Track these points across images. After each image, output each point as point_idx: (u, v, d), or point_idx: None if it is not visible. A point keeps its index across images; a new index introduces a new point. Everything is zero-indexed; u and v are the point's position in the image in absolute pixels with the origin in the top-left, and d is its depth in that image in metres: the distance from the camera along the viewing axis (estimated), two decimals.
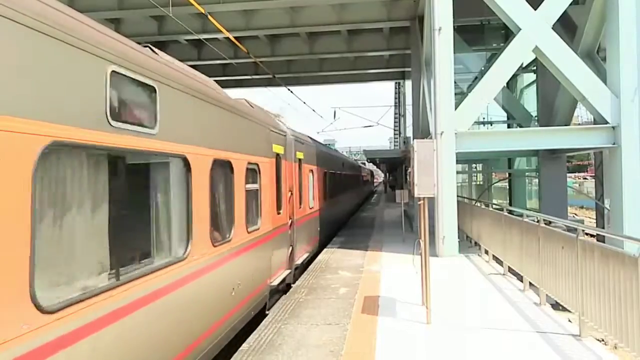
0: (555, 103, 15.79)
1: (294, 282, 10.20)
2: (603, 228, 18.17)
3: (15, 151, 2.91)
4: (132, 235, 4.34)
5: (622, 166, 12.02)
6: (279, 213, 9.40)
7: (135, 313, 4.10)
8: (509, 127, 21.38)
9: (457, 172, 18.49)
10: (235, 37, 19.19)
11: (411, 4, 19.53)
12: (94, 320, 3.53)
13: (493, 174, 26.17)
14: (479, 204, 14.11)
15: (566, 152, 16.96)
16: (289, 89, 29.02)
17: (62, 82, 3.35)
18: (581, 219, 28.38)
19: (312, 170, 13.70)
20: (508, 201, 22.27)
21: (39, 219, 3.12)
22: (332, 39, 23.82)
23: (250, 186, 7.50)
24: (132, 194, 4.46)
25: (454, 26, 12.95)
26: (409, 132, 31.01)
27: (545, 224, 7.96)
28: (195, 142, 5.42)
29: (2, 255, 2.81)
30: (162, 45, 23.21)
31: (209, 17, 15.95)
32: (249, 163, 7.46)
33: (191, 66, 7.39)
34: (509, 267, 9.99)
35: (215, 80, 7.84)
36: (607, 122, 12.29)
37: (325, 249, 14.46)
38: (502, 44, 18.66)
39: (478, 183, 27.99)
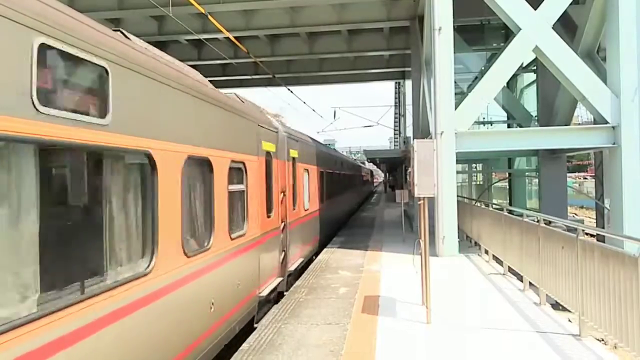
0: (555, 103, 15.80)
1: (287, 290, 9.67)
2: (603, 228, 18.17)
3: None
4: (72, 250, 3.58)
5: (622, 166, 12.02)
6: (269, 216, 8.65)
7: (76, 345, 3.32)
8: (509, 127, 21.39)
9: (457, 172, 18.49)
10: (235, 37, 19.19)
11: (411, 3, 19.53)
12: None
13: (493, 173, 26.18)
14: (479, 204, 14.12)
15: (566, 152, 16.96)
16: (289, 89, 29.04)
17: None
18: (581, 218, 28.37)
19: (307, 170, 12.94)
20: (508, 201, 22.28)
21: None
22: (332, 39, 23.83)
23: (234, 187, 6.78)
24: (74, 199, 3.75)
25: (454, 26, 12.95)
26: (409, 132, 31.05)
27: (545, 223, 7.96)
28: (163, 136, 4.63)
29: None
30: (162, 45, 23.21)
31: (209, 17, 15.95)
32: (233, 161, 6.70)
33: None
34: (509, 267, 9.99)
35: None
36: (607, 122, 12.29)
37: (325, 249, 14.47)
38: (502, 44, 18.66)
39: (478, 183, 28.00)
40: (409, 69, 23.65)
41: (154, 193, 4.49)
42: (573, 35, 14.58)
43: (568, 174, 25.97)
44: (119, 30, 4.60)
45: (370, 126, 74.57)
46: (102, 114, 3.76)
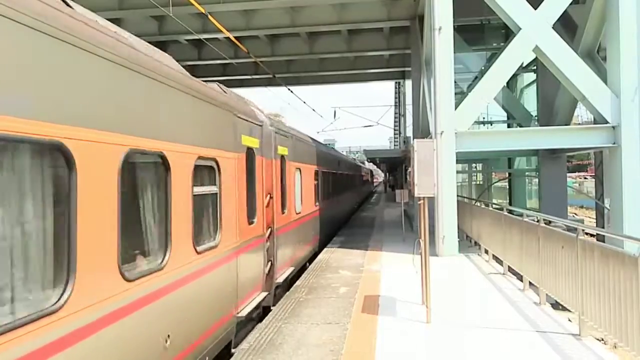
0: (556, 103, 15.80)
1: (274, 304, 8.57)
2: (603, 228, 18.18)
3: None
4: None
5: (622, 166, 12.03)
6: (251, 222, 7.50)
7: None
8: (509, 126, 21.41)
9: (457, 172, 18.51)
10: (235, 37, 19.20)
11: (411, 3, 19.54)
12: None
13: (493, 173, 26.20)
14: (479, 204, 14.13)
15: (566, 151, 16.97)
16: (289, 89, 29.08)
17: None
18: (581, 218, 28.38)
19: (300, 169, 11.83)
20: (508, 201, 22.30)
21: None
22: (332, 39, 23.84)
23: (201, 189, 5.66)
24: None
25: (454, 26, 12.95)
26: (409, 132, 31.07)
27: (545, 223, 7.97)
28: (85, 123, 3.46)
29: None
30: (162, 45, 23.24)
31: (209, 17, 15.96)
32: (201, 158, 5.55)
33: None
34: (508, 266, 10.00)
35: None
36: (607, 122, 12.29)
37: (325, 249, 14.47)
38: (502, 44, 18.68)
39: (478, 183, 28.02)
40: (409, 68, 23.66)
41: (70, 198, 3.30)
42: (573, 35, 14.59)
43: (568, 174, 25.99)
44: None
45: (370, 126, 74.74)
46: None
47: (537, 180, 20.32)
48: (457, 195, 13.47)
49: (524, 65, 19.34)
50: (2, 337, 2.67)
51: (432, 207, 11.55)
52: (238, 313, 6.76)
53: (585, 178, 52.46)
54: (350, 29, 22.54)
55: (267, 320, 7.50)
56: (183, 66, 6.39)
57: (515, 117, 20.42)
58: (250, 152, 7.61)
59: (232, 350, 6.50)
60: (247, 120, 7.51)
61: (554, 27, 12.60)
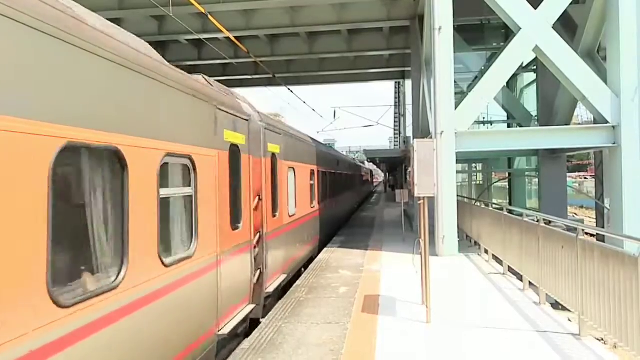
0: (556, 103, 15.81)
1: (263, 316, 7.86)
2: (603, 228, 18.19)
3: None
4: None
5: (622, 166, 12.03)
6: (235, 228, 6.80)
7: None
8: (509, 126, 21.42)
9: (457, 172, 18.52)
10: (235, 37, 19.21)
11: (411, 3, 19.54)
12: None
13: (493, 173, 26.21)
14: (478, 204, 14.13)
15: (566, 151, 16.97)
16: (289, 89, 29.11)
17: None
18: (581, 218, 28.41)
19: (293, 169, 11.09)
20: (508, 201, 22.31)
21: None
22: (332, 39, 23.85)
23: (171, 191, 4.98)
24: None
25: (454, 25, 12.95)
26: (409, 132, 31.06)
27: (545, 223, 7.97)
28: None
29: None
30: (162, 45, 23.27)
31: (209, 16, 15.96)
32: (170, 155, 4.82)
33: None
34: (508, 266, 10.00)
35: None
36: (607, 122, 12.29)
37: (325, 248, 14.47)
38: (502, 44, 18.69)
39: (478, 183, 28.03)
40: (409, 68, 23.67)
41: None
42: (573, 35, 14.59)
43: (568, 174, 26.00)
44: None
45: (370, 126, 74.77)
46: None
47: (537, 180, 20.33)
48: (457, 195, 13.47)
49: (524, 65, 19.35)
50: None
51: (432, 207, 11.56)
52: (219, 331, 6.07)
53: (585, 178, 52.48)
54: (350, 29, 22.54)
55: (268, 320, 7.50)
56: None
57: (515, 117, 20.43)
58: (234, 150, 6.87)
59: None
60: (230, 114, 6.72)
61: (554, 27, 12.60)
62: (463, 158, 19.71)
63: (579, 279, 6.33)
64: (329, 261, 12.35)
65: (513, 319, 7.16)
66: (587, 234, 12.57)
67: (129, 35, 4.72)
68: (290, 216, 10.59)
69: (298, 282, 10.13)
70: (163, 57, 5.38)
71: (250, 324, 7.57)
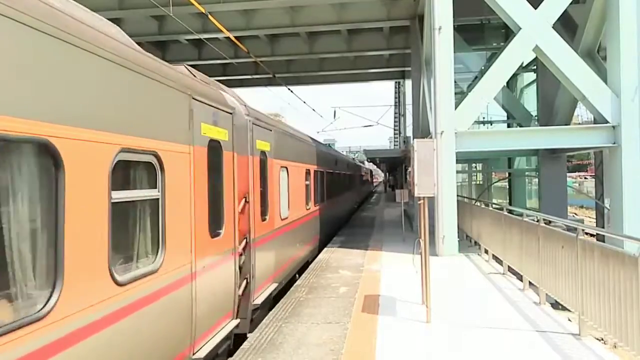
0: (556, 102, 15.81)
1: (251, 330, 7.23)
2: (603, 227, 18.19)
3: None
4: None
5: (622, 166, 12.04)
6: (216, 235, 6.02)
7: None
8: (509, 126, 21.43)
9: (457, 172, 18.52)
10: (235, 37, 19.22)
11: (411, 3, 19.55)
12: None
13: (493, 173, 26.22)
14: (478, 204, 14.13)
15: (566, 151, 16.98)
16: (289, 89, 29.12)
17: None
18: (581, 218, 28.40)
19: (286, 168, 10.35)
20: (508, 201, 22.32)
21: None
22: (332, 39, 23.85)
23: (129, 194, 4.19)
24: None
25: (454, 25, 12.96)
26: (409, 132, 31.08)
27: (545, 223, 7.97)
28: None
29: None
30: (162, 45, 23.28)
31: (209, 16, 15.97)
32: (127, 150, 4.03)
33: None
34: (508, 266, 10.00)
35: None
36: (607, 122, 12.30)
37: (325, 248, 14.47)
38: (502, 43, 18.70)
39: (478, 183, 28.04)
40: (409, 68, 23.67)
41: None
42: (573, 35, 14.60)
43: (568, 174, 26.01)
44: None
45: (370, 126, 74.79)
46: None
47: (537, 180, 20.34)
48: (457, 195, 13.47)
49: (524, 65, 19.36)
50: None
51: (432, 207, 11.56)
52: (194, 354, 5.29)
53: (585, 178, 52.49)
54: (350, 29, 22.54)
55: (268, 319, 7.50)
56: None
57: (515, 117, 20.43)
58: (214, 145, 6.05)
59: None
60: (209, 105, 5.91)
61: (554, 27, 12.60)
62: (463, 158, 19.71)
63: (579, 278, 6.33)
64: (329, 261, 12.35)
65: (513, 319, 7.16)
66: (587, 233, 12.58)
67: (78, 5, 4.11)
68: (282, 219, 9.81)
69: (298, 282, 10.13)
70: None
71: (237, 340, 6.88)
